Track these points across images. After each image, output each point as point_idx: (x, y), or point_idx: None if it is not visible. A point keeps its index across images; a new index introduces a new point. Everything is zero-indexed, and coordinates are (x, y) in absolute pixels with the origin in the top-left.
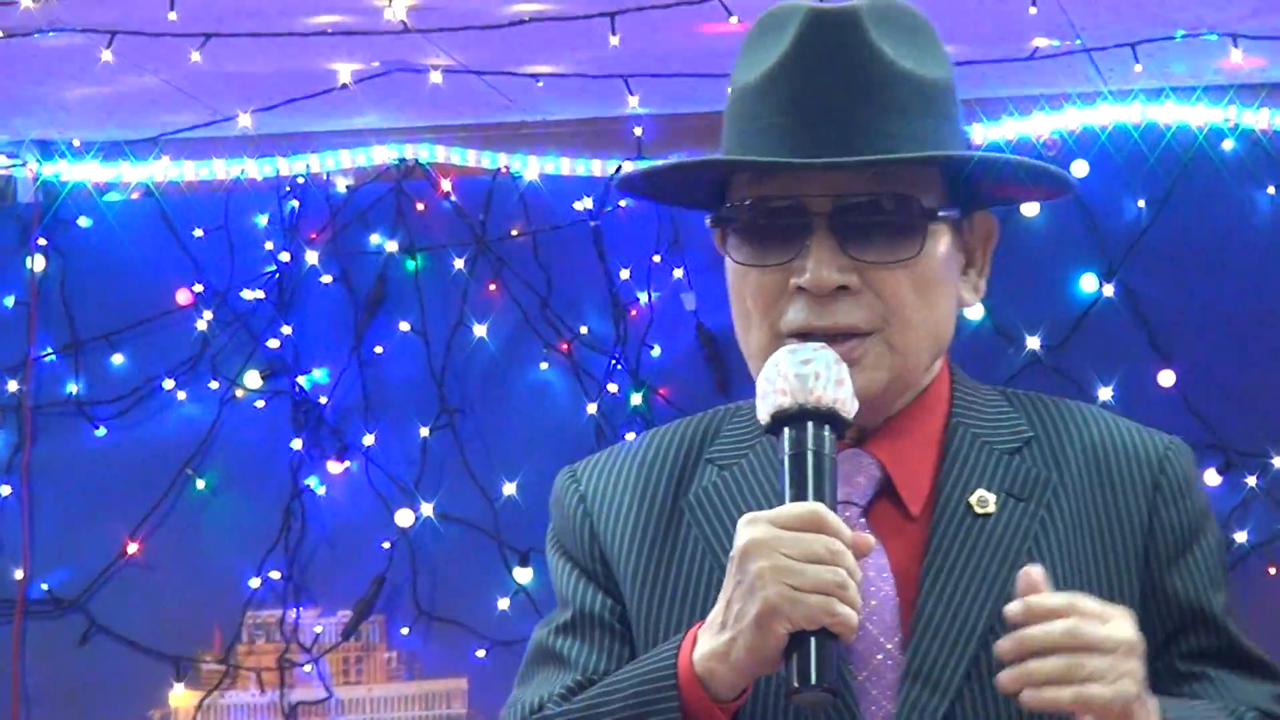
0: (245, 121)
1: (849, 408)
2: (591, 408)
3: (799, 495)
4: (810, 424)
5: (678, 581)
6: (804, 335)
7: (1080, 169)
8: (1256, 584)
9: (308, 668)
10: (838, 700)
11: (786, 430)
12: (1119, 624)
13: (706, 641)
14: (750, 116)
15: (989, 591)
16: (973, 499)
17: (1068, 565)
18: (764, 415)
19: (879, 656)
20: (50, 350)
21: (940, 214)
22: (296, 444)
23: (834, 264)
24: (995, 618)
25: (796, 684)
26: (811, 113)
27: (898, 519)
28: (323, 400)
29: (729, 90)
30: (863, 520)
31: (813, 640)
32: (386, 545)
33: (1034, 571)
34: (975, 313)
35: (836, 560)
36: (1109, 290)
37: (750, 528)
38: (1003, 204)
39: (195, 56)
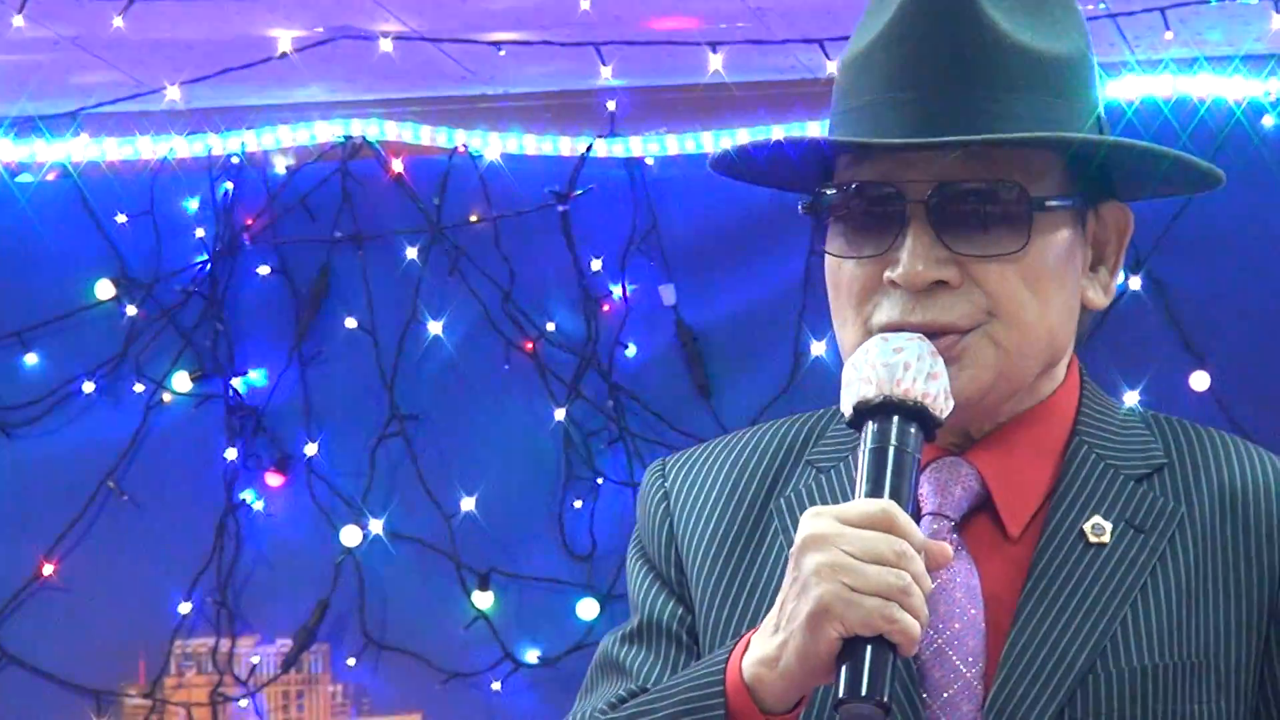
0: (174, 94)
1: (941, 405)
2: (559, 413)
3: (874, 492)
4: (896, 418)
5: (754, 591)
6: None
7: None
8: None
9: (243, 703)
10: None
11: (869, 424)
12: None
13: (759, 646)
14: (853, 92)
15: (1093, 628)
16: (1087, 526)
17: (1184, 609)
18: (847, 406)
19: (957, 685)
20: None
21: (1050, 204)
22: (231, 454)
23: (929, 256)
24: (1098, 656)
25: (844, 694)
26: (913, 88)
27: (996, 538)
28: (260, 405)
29: (839, 61)
30: (954, 536)
31: (868, 648)
32: (333, 566)
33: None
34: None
35: (902, 563)
36: (1135, 283)
37: (813, 520)
38: (1138, 196)
39: (118, 21)
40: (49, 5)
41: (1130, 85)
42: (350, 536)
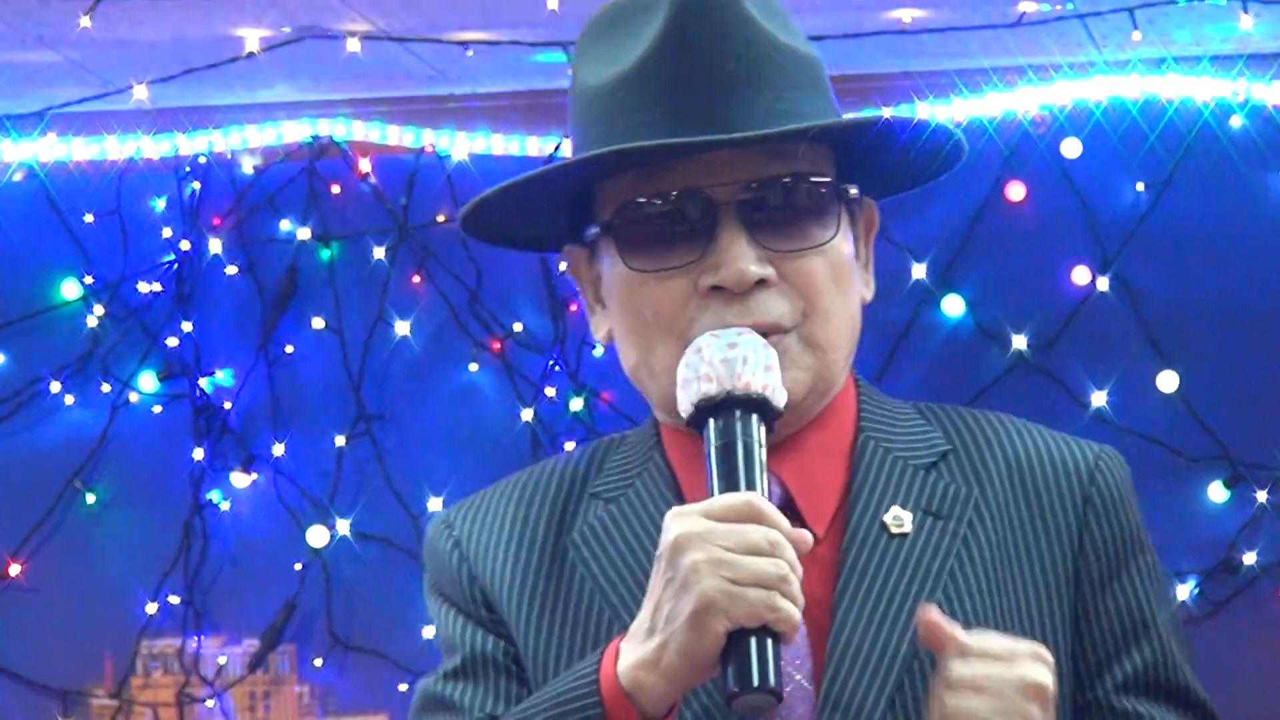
0: (141, 94)
1: (779, 397)
2: (527, 414)
3: (730, 487)
4: (738, 412)
5: (568, 625)
6: None
7: (1072, 148)
8: (1267, 610)
9: (210, 703)
10: None
11: (712, 421)
12: (1023, 665)
13: (632, 650)
14: (620, 112)
15: (911, 615)
16: (887, 518)
17: (993, 587)
18: (686, 406)
19: (789, 688)
20: None
21: (852, 192)
22: (198, 454)
23: (750, 255)
24: (913, 647)
25: (737, 687)
26: (702, 95)
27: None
28: (227, 405)
29: (574, 96)
30: None
31: (753, 639)
32: (298, 567)
33: (931, 612)
34: (955, 308)
35: (776, 552)
36: (1103, 284)
37: (680, 521)
38: (886, 191)
39: (84, 22)
40: (15, 5)
41: (1098, 86)
42: (317, 537)
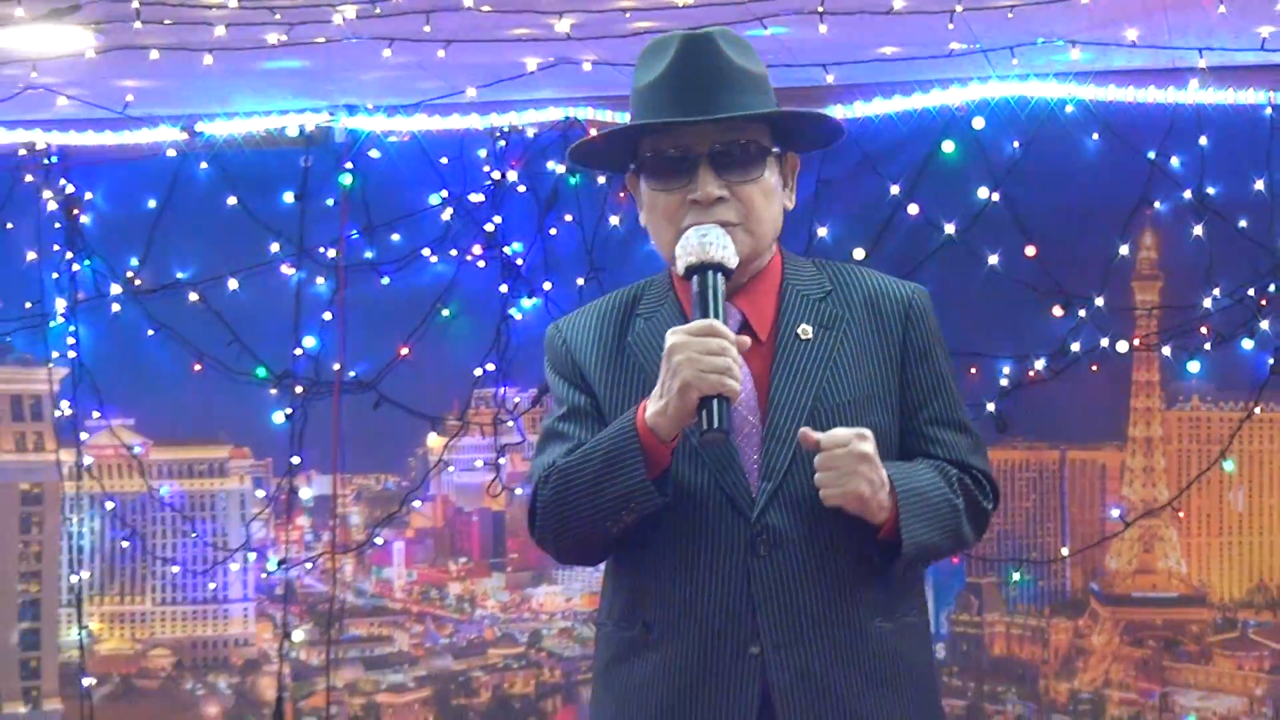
0: (471, 93)
1: (732, 262)
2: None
3: (703, 314)
4: (709, 272)
5: (629, 387)
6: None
7: (979, 123)
8: (1084, 378)
9: (510, 424)
10: (727, 445)
11: (695, 277)
12: (855, 444)
13: (651, 407)
14: (652, 104)
15: (811, 386)
16: (799, 330)
17: (856, 367)
18: (681, 268)
19: (747, 427)
20: (355, 231)
21: (773, 150)
22: (503, 289)
23: (714, 184)
24: (816, 401)
25: (704, 427)
26: (694, 95)
27: (754, 344)
28: (519, 262)
29: (632, 90)
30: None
31: (714, 401)
32: None
33: (805, 431)
34: (914, 210)
35: (725, 353)
36: (996, 197)
37: (674, 335)
38: (804, 148)
39: (440, 53)
40: (404, 45)
41: (993, 88)
42: None
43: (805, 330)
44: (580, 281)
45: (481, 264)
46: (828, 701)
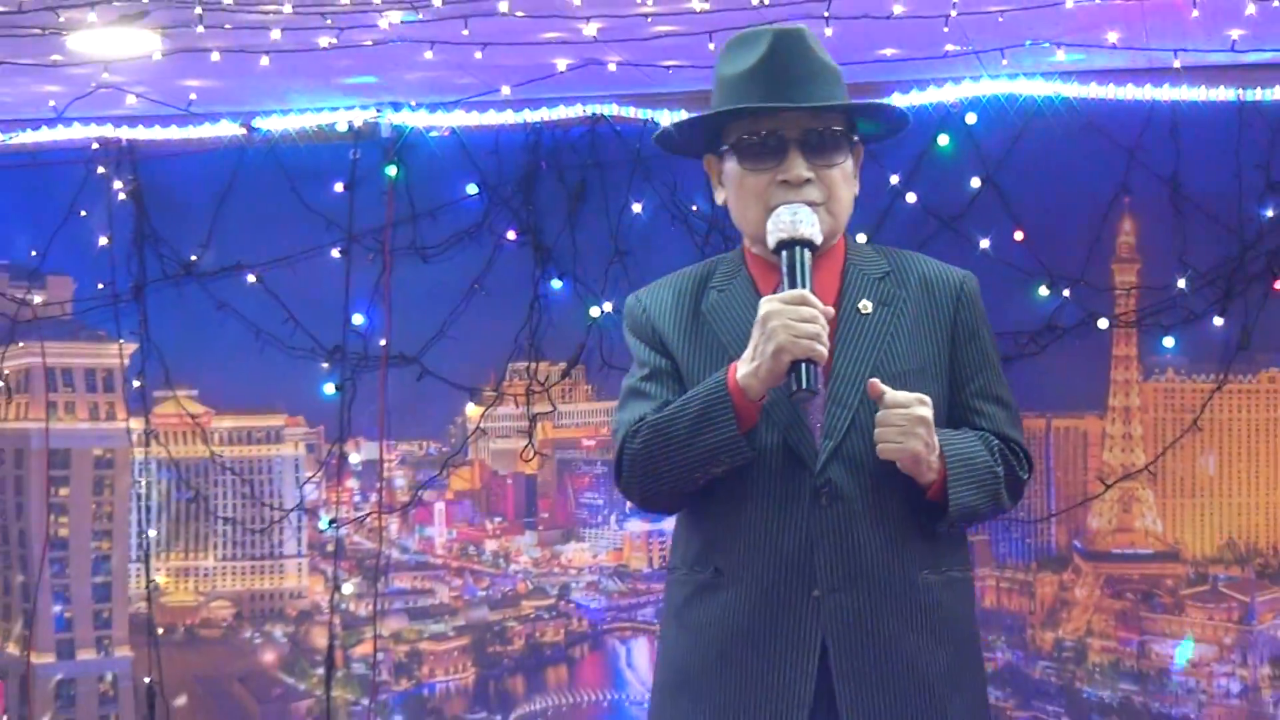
0: (506, 91)
1: (818, 239)
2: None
3: (794, 285)
4: (798, 247)
5: (705, 351)
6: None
7: (971, 118)
8: (1071, 348)
9: (540, 394)
10: (793, 407)
11: (784, 251)
12: (915, 408)
13: (742, 368)
14: (746, 92)
15: (870, 356)
16: (860, 305)
17: (911, 341)
18: (772, 243)
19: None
20: (400, 218)
21: (855, 138)
22: (535, 271)
23: (803, 166)
24: (874, 370)
25: (795, 388)
26: (784, 84)
27: None
28: (549, 246)
29: (717, 80)
30: None
31: (803, 365)
32: (588, 324)
33: (874, 381)
34: (912, 197)
35: (814, 320)
36: (986, 185)
37: (768, 303)
38: (871, 139)
39: (477, 55)
40: (445, 47)
41: (985, 86)
42: (595, 312)
43: (865, 305)
44: (606, 265)
45: (516, 248)
46: (875, 643)
